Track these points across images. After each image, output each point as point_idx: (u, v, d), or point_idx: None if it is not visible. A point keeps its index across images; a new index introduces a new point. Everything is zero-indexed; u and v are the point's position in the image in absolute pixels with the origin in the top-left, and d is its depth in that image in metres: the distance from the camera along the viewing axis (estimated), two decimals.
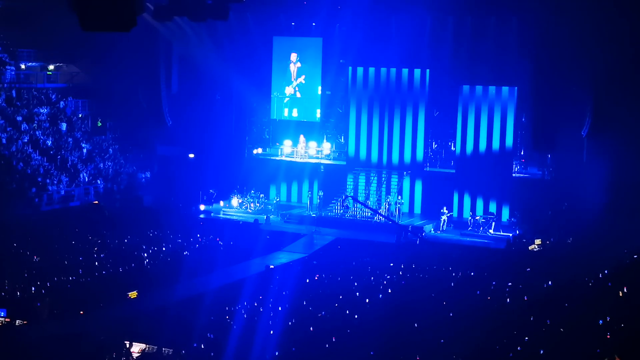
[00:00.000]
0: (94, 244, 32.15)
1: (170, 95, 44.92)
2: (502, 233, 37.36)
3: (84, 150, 42.60)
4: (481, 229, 37.78)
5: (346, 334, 20.62)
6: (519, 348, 19.41)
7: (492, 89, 39.47)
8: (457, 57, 39.91)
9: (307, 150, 44.20)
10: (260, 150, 46.05)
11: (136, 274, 28.01)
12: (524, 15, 38.04)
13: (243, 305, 23.43)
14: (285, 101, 44.45)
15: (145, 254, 30.60)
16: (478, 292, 24.97)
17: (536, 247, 34.11)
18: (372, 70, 41.54)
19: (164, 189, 43.01)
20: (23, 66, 44.17)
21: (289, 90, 44.28)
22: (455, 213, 39.60)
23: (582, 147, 38.54)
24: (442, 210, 38.53)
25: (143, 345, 19.89)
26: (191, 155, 44.77)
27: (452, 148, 41.97)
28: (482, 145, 39.85)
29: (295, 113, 44.44)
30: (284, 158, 44.44)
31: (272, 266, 30.20)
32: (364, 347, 19.60)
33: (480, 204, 39.66)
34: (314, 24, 43.31)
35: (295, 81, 44.06)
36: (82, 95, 46.19)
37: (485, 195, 39.76)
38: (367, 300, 24.10)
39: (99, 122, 46.30)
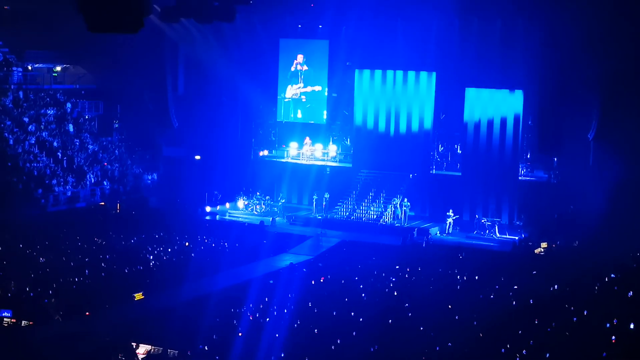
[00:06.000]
0: (99, 245, 32.19)
1: (177, 96, 45.01)
2: (508, 236, 37.29)
3: (90, 152, 42.70)
4: (487, 231, 37.75)
5: (351, 336, 20.60)
6: (524, 351, 19.38)
7: (498, 91, 39.42)
8: (464, 59, 39.85)
9: (314, 153, 44.21)
10: (266, 152, 46.06)
11: (142, 275, 28.03)
12: (531, 17, 38.00)
13: (248, 307, 23.44)
14: (285, 101, 44.43)
15: (151, 256, 30.64)
16: (481, 296, 24.92)
17: (542, 250, 34.03)
18: (378, 72, 41.53)
19: (170, 191, 43.08)
20: (30, 67, 44.30)
21: (291, 91, 44.20)
22: (461, 216, 39.54)
23: (589, 150, 38.50)
24: (448, 213, 38.51)
25: (148, 347, 19.91)
26: (197, 157, 44.83)
27: (459, 151, 41.95)
28: (488, 148, 39.81)
29: (299, 114, 44.46)
30: (290, 160, 44.46)
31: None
32: (369, 349, 19.60)
33: (486, 207, 39.60)
34: (320, 26, 43.29)
35: (304, 87, 43.98)
36: (89, 96, 46.36)
37: (491, 198, 39.71)
38: (373, 302, 24.08)
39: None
